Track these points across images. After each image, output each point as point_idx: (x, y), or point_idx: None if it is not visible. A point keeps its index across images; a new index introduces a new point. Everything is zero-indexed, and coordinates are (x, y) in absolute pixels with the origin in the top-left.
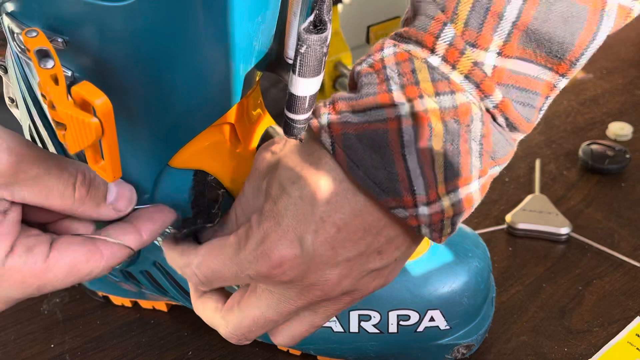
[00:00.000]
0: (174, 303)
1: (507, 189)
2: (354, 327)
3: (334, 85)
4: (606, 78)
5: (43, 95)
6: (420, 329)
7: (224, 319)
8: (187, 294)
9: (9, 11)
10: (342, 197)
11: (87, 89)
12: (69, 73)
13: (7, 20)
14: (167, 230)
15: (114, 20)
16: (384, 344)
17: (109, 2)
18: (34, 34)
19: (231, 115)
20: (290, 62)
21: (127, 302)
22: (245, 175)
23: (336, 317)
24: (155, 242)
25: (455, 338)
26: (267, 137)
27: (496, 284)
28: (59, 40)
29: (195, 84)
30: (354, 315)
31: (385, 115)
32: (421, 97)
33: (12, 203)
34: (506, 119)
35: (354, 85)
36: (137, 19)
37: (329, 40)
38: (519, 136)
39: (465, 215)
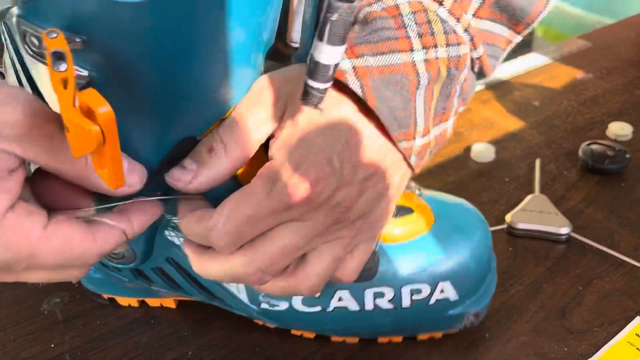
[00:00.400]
0: (182, 298)
1: (507, 189)
2: (369, 305)
3: None
4: (606, 78)
5: None
6: (432, 301)
7: (245, 255)
8: (202, 287)
9: (20, 14)
10: (360, 124)
11: (91, 97)
12: (85, 73)
13: (17, 23)
14: (174, 222)
15: (132, 18)
16: (398, 318)
17: None
18: (54, 35)
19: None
20: (295, 45)
21: (133, 302)
22: (253, 163)
23: (352, 296)
24: (168, 237)
25: (465, 307)
26: None
27: (497, 284)
28: (77, 40)
29: (211, 77)
30: (369, 293)
31: (404, 59)
32: (435, 46)
33: (21, 164)
34: (481, 68)
35: (356, 22)
36: (155, 15)
37: (355, 11)
38: (482, 80)
39: (440, 145)
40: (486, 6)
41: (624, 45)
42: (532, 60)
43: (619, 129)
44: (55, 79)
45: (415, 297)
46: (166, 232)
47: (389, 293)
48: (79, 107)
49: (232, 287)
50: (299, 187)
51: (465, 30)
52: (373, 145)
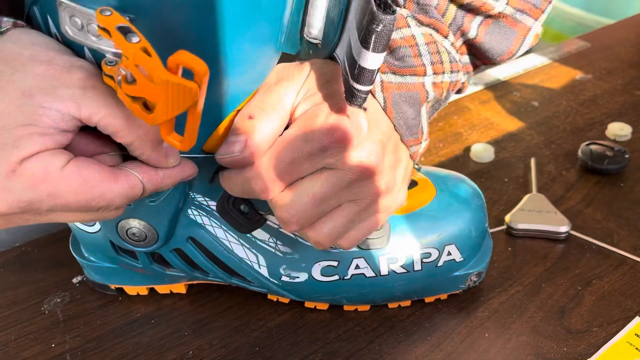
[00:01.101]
0: (195, 282)
1: (506, 189)
2: (384, 270)
3: None
4: (605, 78)
5: (109, 76)
6: (440, 263)
7: (281, 199)
8: (222, 265)
9: None
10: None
11: (186, 56)
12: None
13: (62, 4)
14: (206, 204)
15: None
16: (410, 282)
17: None
18: (108, 13)
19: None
20: (314, 40)
21: (142, 290)
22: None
23: (368, 263)
24: (191, 216)
25: (468, 268)
26: None
27: (496, 284)
28: (126, 19)
29: (244, 54)
30: (383, 259)
31: (418, 81)
32: (443, 73)
33: (73, 129)
34: (460, 90)
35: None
36: None
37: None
38: (481, 81)
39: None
40: (462, 49)
41: (623, 46)
42: (531, 61)
43: (618, 130)
44: (134, 50)
45: (425, 260)
46: (189, 211)
47: (401, 259)
48: (169, 69)
49: (254, 263)
50: (333, 129)
51: (459, 60)
52: (394, 138)
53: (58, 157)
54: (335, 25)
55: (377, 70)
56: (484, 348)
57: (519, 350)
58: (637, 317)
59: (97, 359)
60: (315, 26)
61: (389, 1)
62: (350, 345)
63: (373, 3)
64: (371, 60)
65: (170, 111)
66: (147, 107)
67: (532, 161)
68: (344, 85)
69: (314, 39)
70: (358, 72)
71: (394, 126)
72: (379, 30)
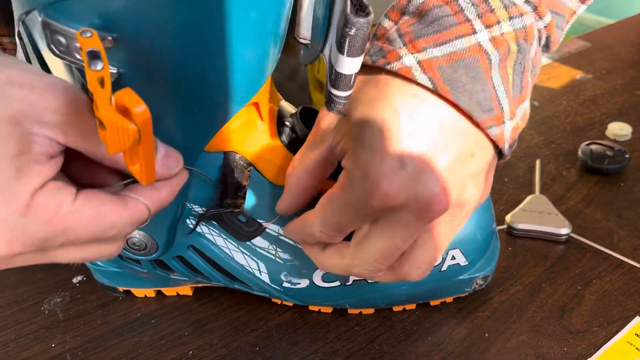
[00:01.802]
0: (201, 285)
1: (506, 189)
2: None
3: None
4: (605, 78)
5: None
6: (444, 268)
7: (353, 259)
8: (224, 271)
9: (47, 14)
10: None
11: (128, 96)
12: (114, 70)
13: (43, 24)
14: (195, 210)
15: (160, 12)
16: (413, 287)
17: None
18: (89, 34)
19: (258, 95)
20: (304, 41)
21: (150, 292)
22: (268, 150)
23: None
24: (190, 225)
25: (473, 272)
26: (282, 113)
27: (496, 284)
28: (109, 38)
29: (234, 68)
30: None
31: (469, 43)
32: (498, 23)
33: (61, 152)
34: (547, 38)
35: (406, 14)
36: (186, 10)
37: (372, 23)
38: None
39: (521, 130)
40: None
41: (623, 46)
42: None
43: (618, 129)
44: (91, 78)
45: None
46: (187, 221)
47: None
48: (115, 106)
49: (255, 270)
50: (371, 197)
51: (526, 1)
52: (450, 126)
53: (66, 190)
54: (320, 24)
55: (355, 76)
56: (484, 348)
57: (519, 350)
58: (637, 317)
59: (97, 358)
60: (304, 25)
61: (365, 2)
62: (350, 345)
63: (348, 4)
64: (347, 65)
65: (116, 145)
66: None
67: (538, 163)
68: (325, 91)
69: (304, 39)
70: (335, 77)
71: (456, 105)
72: (352, 34)
